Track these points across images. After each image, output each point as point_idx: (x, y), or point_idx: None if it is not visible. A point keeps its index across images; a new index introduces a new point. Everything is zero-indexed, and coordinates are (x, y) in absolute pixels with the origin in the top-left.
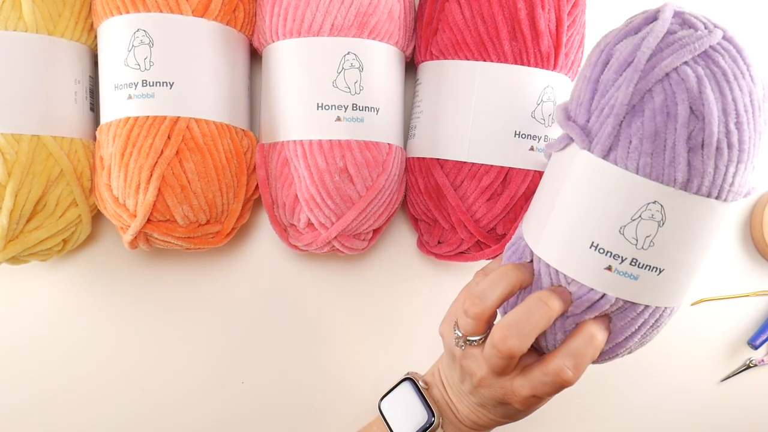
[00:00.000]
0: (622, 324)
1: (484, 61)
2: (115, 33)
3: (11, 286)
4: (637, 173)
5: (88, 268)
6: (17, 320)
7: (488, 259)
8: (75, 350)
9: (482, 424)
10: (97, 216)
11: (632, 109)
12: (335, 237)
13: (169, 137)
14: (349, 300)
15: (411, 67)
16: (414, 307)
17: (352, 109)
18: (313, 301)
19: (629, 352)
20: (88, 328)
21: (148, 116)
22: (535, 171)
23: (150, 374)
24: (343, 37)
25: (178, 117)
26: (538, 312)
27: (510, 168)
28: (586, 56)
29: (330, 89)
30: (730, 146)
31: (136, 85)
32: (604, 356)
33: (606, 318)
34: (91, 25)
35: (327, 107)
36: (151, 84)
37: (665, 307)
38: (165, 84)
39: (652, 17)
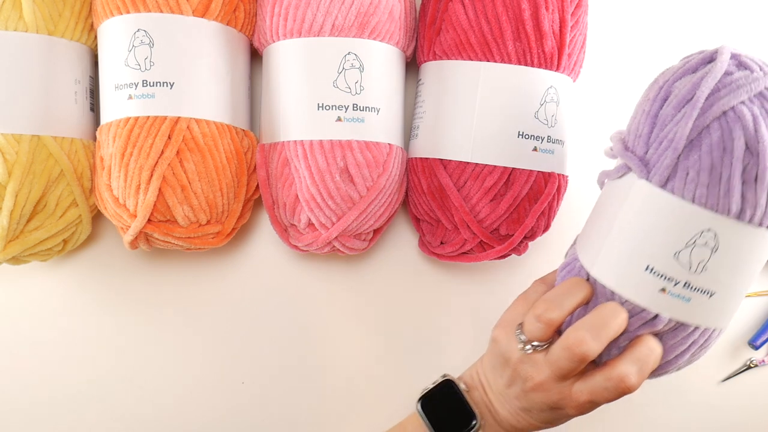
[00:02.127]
0: (673, 343)
1: (488, 61)
2: (115, 33)
3: (11, 286)
4: (693, 202)
5: (88, 268)
6: (17, 320)
7: (492, 259)
8: (75, 350)
9: (520, 428)
10: (97, 216)
11: (690, 143)
12: (336, 237)
13: (169, 137)
14: (350, 300)
15: (412, 67)
16: (414, 307)
17: (353, 110)
18: (313, 301)
19: (677, 370)
20: (88, 328)
21: (148, 116)
22: (538, 171)
23: (150, 374)
24: (343, 37)
25: (179, 117)
26: (613, 319)
27: (513, 168)
28: (644, 92)
29: (330, 89)
30: None
31: (136, 86)
32: (654, 372)
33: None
34: (92, 25)
35: (327, 107)
36: (152, 84)
37: (714, 329)
38: (165, 84)
39: (709, 58)
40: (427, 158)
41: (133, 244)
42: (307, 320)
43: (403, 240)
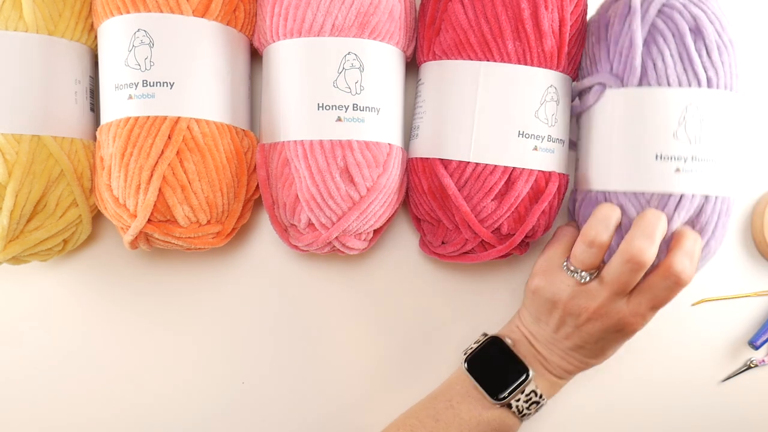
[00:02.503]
0: (698, 227)
1: (488, 61)
2: (115, 33)
3: (11, 286)
4: (670, 86)
5: (88, 268)
6: (17, 320)
7: (493, 258)
8: (75, 350)
9: (569, 370)
10: (97, 216)
11: (646, 43)
12: (336, 237)
13: (169, 137)
14: (350, 300)
15: (412, 67)
16: (414, 307)
17: (353, 109)
18: (313, 301)
19: (712, 256)
20: (88, 328)
21: (148, 116)
22: (539, 171)
23: (150, 374)
24: (343, 37)
25: (179, 117)
26: (658, 221)
27: (514, 168)
28: (587, 37)
29: (330, 89)
30: (725, 46)
31: (136, 86)
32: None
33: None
34: (92, 25)
35: (327, 107)
36: (152, 84)
37: (725, 197)
38: (165, 84)
39: None
40: (427, 158)
41: (133, 244)
42: (307, 320)
43: (404, 240)
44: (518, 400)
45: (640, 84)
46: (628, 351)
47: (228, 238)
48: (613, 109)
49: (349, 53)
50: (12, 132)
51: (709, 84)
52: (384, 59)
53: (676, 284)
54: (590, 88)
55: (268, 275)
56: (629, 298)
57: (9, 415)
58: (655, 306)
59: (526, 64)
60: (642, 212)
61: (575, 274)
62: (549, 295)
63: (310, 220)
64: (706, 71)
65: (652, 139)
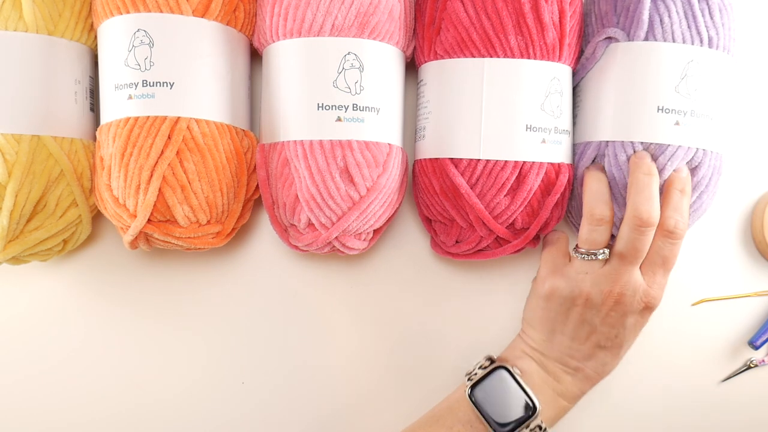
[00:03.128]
0: (696, 179)
1: (491, 57)
2: (115, 33)
3: (11, 286)
4: (674, 41)
5: (88, 268)
6: (17, 320)
7: (508, 254)
8: (75, 350)
9: (582, 389)
10: (97, 216)
11: (653, 1)
12: (336, 237)
13: (169, 137)
14: (350, 300)
15: (412, 67)
16: (414, 306)
17: (353, 110)
18: (313, 302)
19: (704, 212)
20: (88, 328)
21: (148, 116)
22: (549, 163)
23: (150, 374)
24: (343, 37)
25: (179, 117)
26: (649, 178)
27: (524, 162)
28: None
29: (330, 89)
30: (726, 8)
31: (136, 86)
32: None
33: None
34: (92, 25)
35: (327, 107)
36: (152, 84)
37: (718, 153)
38: (165, 84)
39: None
40: (437, 159)
41: (133, 244)
42: (307, 320)
43: (404, 240)
44: None
45: (645, 39)
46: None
47: (228, 238)
48: (617, 62)
49: (348, 53)
50: (12, 132)
51: (710, 43)
52: (384, 59)
53: (673, 239)
54: (597, 43)
55: (268, 275)
56: (643, 270)
57: (9, 415)
58: (666, 267)
59: (528, 57)
60: (633, 173)
61: (591, 256)
62: (567, 292)
63: (309, 220)
64: (707, 30)
65: (655, 93)
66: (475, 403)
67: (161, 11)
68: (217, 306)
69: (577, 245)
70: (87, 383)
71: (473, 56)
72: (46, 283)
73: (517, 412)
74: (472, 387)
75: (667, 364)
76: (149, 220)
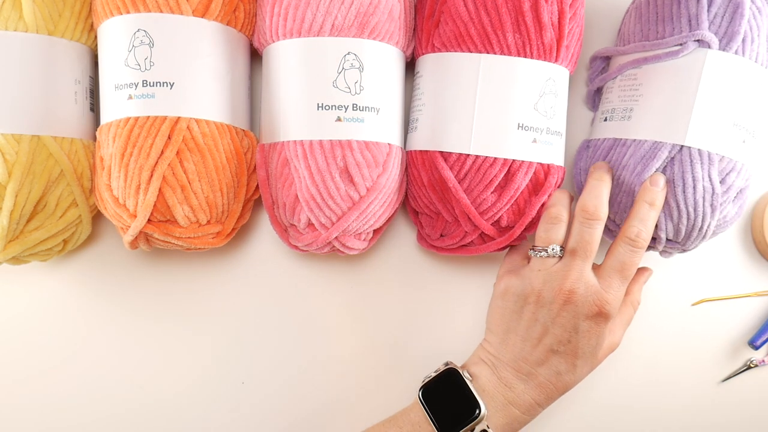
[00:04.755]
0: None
1: (488, 53)
2: (115, 33)
3: (11, 286)
4: (756, 62)
5: (88, 268)
6: (17, 320)
7: (493, 251)
8: (75, 350)
9: (537, 400)
10: (97, 216)
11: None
12: (336, 237)
13: (169, 137)
14: (350, 300)
15: (411, 66)
16: (414, 306)
17: (353, 110)
18: (313, 301)
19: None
20: (88, 328)
21: (148, 116)
22: (537, 163)
23: (150, 374)
24: (343, 37)
25: (179, 117)
26: (600, 181)
27: (513, 160)
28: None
29: (330, 89)
30: None
31: (136, 86)
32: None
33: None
34: (92, 25)
35: (327, 107)
36: (152, 84)
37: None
38: (165, 84)
39: None
40: (427, 151)
41: (133, 244)
42: (307, 320)
43: (403, 240)
44: None
45: (737, 53)
46: (628, 351)
47: (228, 238)
48: (713, 71)
49: (348, 53)
50: (12, 132)
51: None
52: (383, 59)
53: (634, 247)
54: (678, 45)
55: (268, 275)
56: (600, 274)
57: (9, 415)
58: (623, 274)
59: (525, 56)
60: (588, 180)
61: (544, 252)
62: (520, 290)
63: (309, 220)
64: None
65: (732, 105)
66: (423, 405)
67: (161, 11)
68: (217, 306)
69: (533, 246)
70: (87, 383)
71: (470, 51)
72: (46, 283)
73: (463, 414)
74: (423, 389)
75: (668, 364)
76: (149, 220)
